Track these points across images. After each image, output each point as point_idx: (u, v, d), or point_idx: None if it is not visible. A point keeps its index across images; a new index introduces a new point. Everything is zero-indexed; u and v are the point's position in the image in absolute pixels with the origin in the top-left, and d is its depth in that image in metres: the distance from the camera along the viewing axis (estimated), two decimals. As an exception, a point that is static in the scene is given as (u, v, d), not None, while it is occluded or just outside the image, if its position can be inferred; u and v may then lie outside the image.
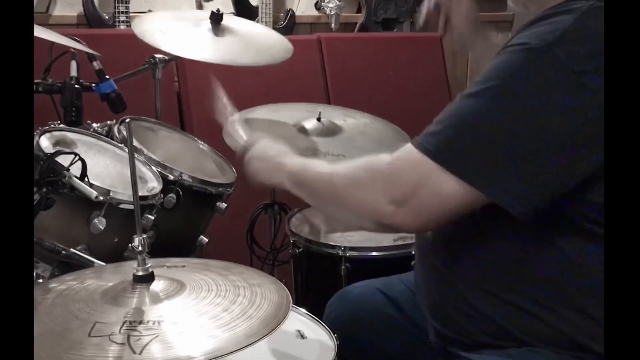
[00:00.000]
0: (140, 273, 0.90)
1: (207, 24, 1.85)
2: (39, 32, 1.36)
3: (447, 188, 0.95)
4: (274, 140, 1.30)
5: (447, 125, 0.96)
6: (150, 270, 0.90)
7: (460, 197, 0.95)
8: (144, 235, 0.90)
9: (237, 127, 1.49)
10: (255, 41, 1.91)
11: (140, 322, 0.82)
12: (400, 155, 1.01)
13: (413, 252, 1.60)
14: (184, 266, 1.00)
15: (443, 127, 0.96)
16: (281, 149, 1.26)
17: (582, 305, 0.97)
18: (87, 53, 1.61)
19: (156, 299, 0.87)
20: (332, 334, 1.17)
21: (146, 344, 0.78)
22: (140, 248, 0.89)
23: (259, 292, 0.91)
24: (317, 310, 1.32)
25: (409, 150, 0.99)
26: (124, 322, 0.82)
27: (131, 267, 0.91)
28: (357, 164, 1.07)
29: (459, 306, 1.07)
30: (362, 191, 1.04)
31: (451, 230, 1.05)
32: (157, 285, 0.90)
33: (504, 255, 1.02)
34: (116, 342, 0.78)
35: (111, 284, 0.92)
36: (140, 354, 0.76)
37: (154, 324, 0.81)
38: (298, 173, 1.17)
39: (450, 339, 1.11)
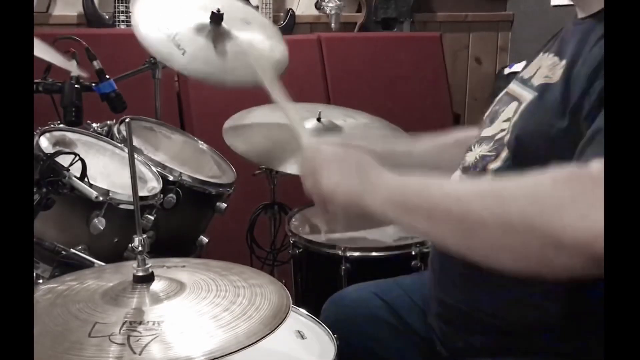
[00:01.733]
0: (140, 273, 0.90)
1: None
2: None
3: None
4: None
5: None
6: (150, 270, 0.90)
7: None
8: (144, 235, 0.90)
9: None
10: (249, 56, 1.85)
11: (140, 323, 0.82)
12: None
13: (414, 253, 1.61)
14: (184, 266, 1.00)
15: None
16: (365, 158, 0.97)
17: None
18: (87, 53, 1.61)
19: (156, 299, 0.87)
20: (332, 335, 1.16)
21: (146, 344, 0.77)
22: (140, 248, 0.89)
23: (259, 292, 0.91)
24: (317, 310, 1.32)
25: None
26: (124, 323, 0.82)
27: (131, 268, 0.91)
28: (534, 179, 0.80)
29: (490, 312, 1.03)
30: (576, 207, 0.74)
31: None
32: (157, 286, 0.90)
33: None
34: (116, 343, 0.78)
35: (111, 284, 0.92)
36: (140, 354, 0.76)
37: (154, 324, 0.81)
38: (414, 193, 0.88)
39: (465, 348, 1.08)
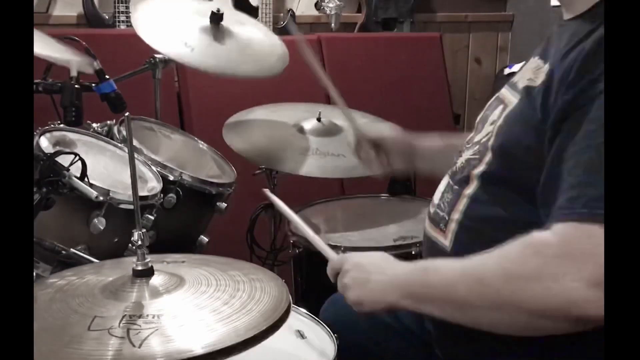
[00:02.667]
0: (139, 267, 0.90)
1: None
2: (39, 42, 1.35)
3: None
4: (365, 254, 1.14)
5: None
6: (149, 264, 0.90)
7: None
8: (144, 230, 0.90)
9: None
10: (253, 49, 1.89)
11: (140, 316, 0.82)
12: (565, 232, 0.84)
13: (413, 253, 1.61)
14: (183, 261, 1.00)
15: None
16: (380, 259, 1.10)
17: None
18: (87, 53, 1.61)
19: (156, 293, 0.87)
20: (332, 334, 1.17)
21: (146, 338, 0.78)
22: (139, 242, 0.90)
23: (259, 286, 0.91)
24: (317, 310, 1.32)
25: (572, 227, 0.83)
26: (123, 316, 0.82)
27: (130, 263, 0.91)
28: (506, 254, 0.89)
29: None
30: (541, 280, 0.84)
31: (472, 244, 1.00)
32: (156, 280, 0.90)
33: None
34: (116, 336, 0.78)
35: (110, 279, 0.92)
36: (139, 347, 0.76)
37: (153, 317, 0.82)
38: (418, 284, 1.00)
39: (461, 352, 1.09)
